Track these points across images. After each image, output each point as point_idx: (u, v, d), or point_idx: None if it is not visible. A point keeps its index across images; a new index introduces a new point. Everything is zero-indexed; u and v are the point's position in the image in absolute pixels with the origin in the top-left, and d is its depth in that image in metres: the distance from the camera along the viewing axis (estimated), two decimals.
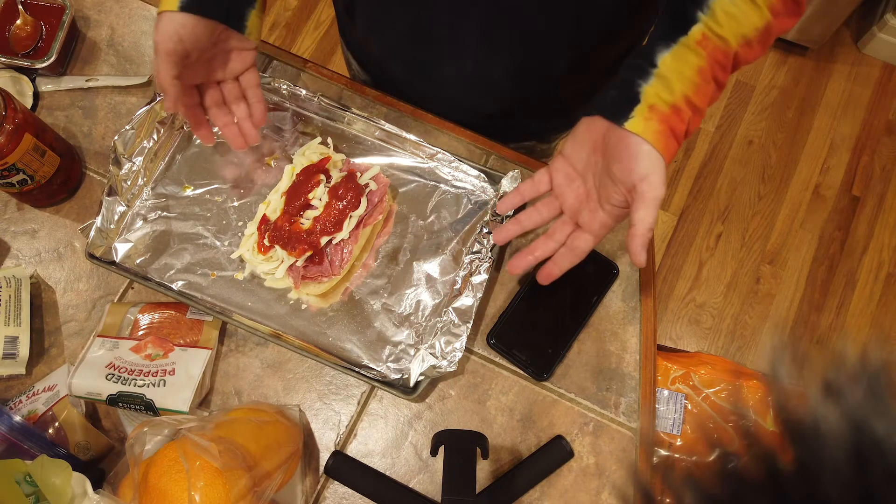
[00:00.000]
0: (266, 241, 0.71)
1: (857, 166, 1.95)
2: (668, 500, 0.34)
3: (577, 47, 0.73)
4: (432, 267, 0.74)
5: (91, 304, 0.75)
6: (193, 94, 0.69)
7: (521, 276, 0.77)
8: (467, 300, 0.71)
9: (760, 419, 1.11)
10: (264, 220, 0.72)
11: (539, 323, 0.74)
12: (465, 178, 0.77)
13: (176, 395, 0.65)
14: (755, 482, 0.31)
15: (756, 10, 0.57)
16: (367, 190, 0.73)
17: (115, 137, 0.74)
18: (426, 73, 0.81)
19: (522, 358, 0.73)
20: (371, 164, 0.77)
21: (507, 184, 0.75)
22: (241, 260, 0.73)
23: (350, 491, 0.68)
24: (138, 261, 0.73)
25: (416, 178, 0.78)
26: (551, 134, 0.98)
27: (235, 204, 0.76)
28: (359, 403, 0.72)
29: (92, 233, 0.72)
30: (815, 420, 0.29)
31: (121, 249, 0.73)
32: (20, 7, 0.81)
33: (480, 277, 0.72)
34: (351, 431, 0.72)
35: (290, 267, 0.71)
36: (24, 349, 0.70)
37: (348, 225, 0.71)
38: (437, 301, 0.73)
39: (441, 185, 0.77)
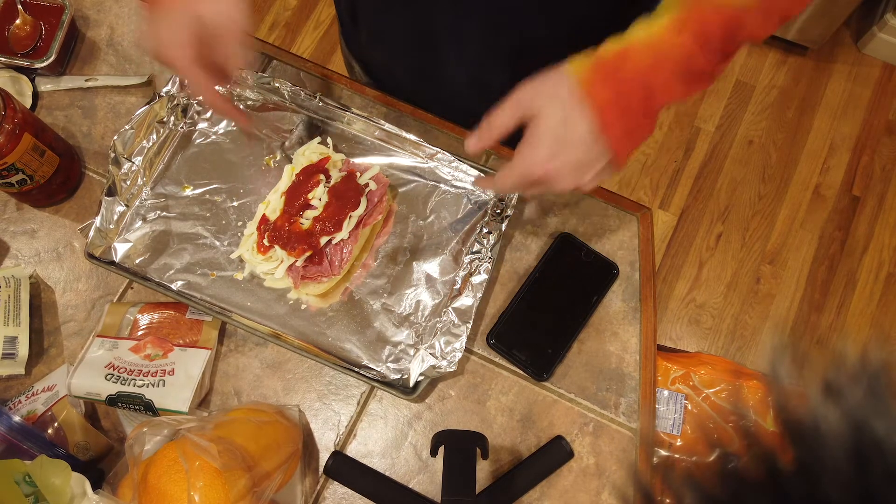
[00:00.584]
0: (266, 241, 0.71)
1: (857, 166, 1.95)
2: (668, 501, 0.34)
3: (575, 49, 0.73)
4: (432, 267, 0.74)
5: (90, 304, 0.75)
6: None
7: (521, 276, 0.76)
8: (467, 300, 0.71)
9: (760, 419, 1.11)
10: (264, 220, 0.72)
11: (539, 323, 0.74)
12: (464, 178, 0.77)
13: (175, 395, 0.65)
14: (755, 482, 0.31)
15: None
16: (367, 190, 0.73)
17: (115, 137, 0.74)
18: (427, 75, 0.81)
19: (522, 358, 0.73)
20: (371, 164, 0.77)
21: None
22: (241, 260, 0.73)
23: (350, 491, 0.68)
24: (138, 261, 0.73)
25: (416, 178, 0.78)
26: None
27: (235, 204, 0.76)
28: (358, 404, 0.72)
29: (91, 233, 0.72)
30: (815, 420, 0.29)
31: (120, 249, 0.73)
32: (19, 7, 0.81)
33: (480, 277, 0.72)
34: (350, 432, 0.72)
35: (290, 267, 0.71)
36: (23, 349, 0.70)
37: (348, 225, 0.71)
38: (436, 301, 0.73)
39: (441, 185, 0.77)
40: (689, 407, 1.17)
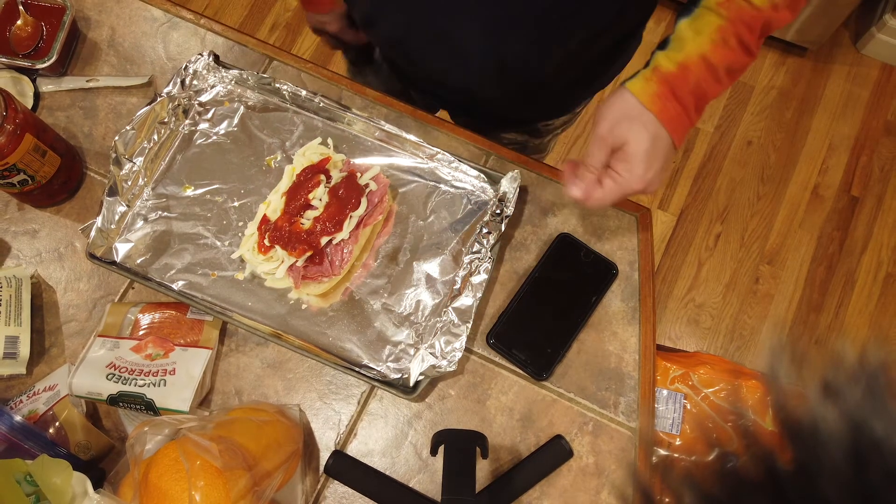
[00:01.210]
0: (266, 242, 0.71)
1: (855, 167, 1.95)
2: (667, 500, 0.34)
3: (584, 30, 0.72)
4: (432, 267, 0.74)
5: (91, 304, 0.75)
6: None
7: (521, 276, 0.77)
8: (467, 300, 0.71)
9: (759, 419, 1.11)
10: (264, 220, 0.72)
11: (539, 323, 0.74)
12: (464, 178, 0.78)
13: (176, 394, 0.65)
14: (754, 482, 0.31)
15: None
16: (367, 190, 0.73)
17: (116, 138, 0.74)
18: (440, 42, 0.77)
19: (522, 358, 0.73)
20: (371, 164, 0.77)
21: (506, 184, 0.75)
22: (242, 260, 0.74)
23: (350, 491, 0.69)
24: (139, 261, 0.73)
25: (416, 179, 0.78)
26: (542, 121, 0.97)
27: (236, 204, 0.76)
28: (359, 403, 0.73)
29: (92, 233, 0.72)
30: (814, 420, 0.30)
31: (121, 249, 0.73)
32: (21, 7, 0.81)
33: (480, 277, 0.72)
34: (351, 431, 0.72)
35: (291, 267, 0.71)
36: (24, 349, 0.70)
37: (348, 225, 0.71)
38: (437, 301, 0.73)
39: (441, 186, 0.78)
40: (689, 406, 1.17)
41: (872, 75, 2.05)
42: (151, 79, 0.83)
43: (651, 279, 0.77)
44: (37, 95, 0.82)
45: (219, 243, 0.74)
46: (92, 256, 0.72)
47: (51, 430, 0.67)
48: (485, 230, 0.75)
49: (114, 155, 0.74)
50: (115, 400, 0.65)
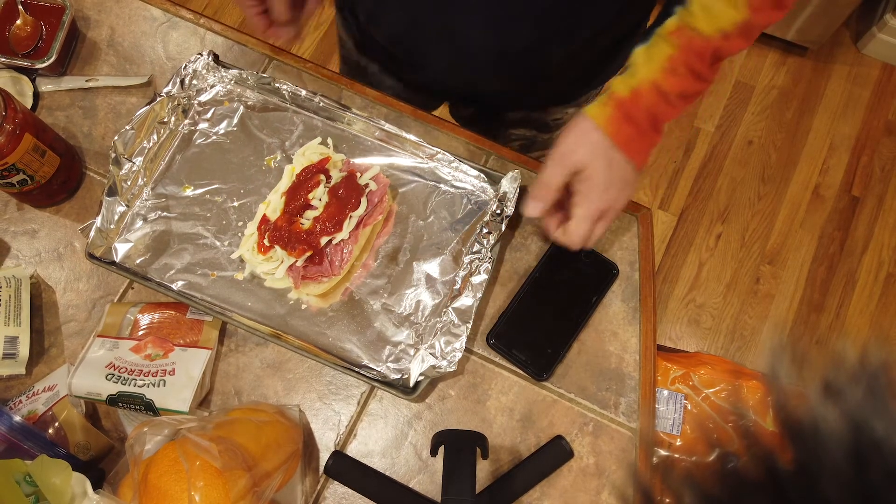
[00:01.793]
0: (266, 242, 0.71)
1: (856, 166, 1.95)
2: (667, 500, 0.34)
3: (594, 23, 0.72)
4: (432, 267, 0.74)
5: (91, 304, 0.75)
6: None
7: (521, 276, 0.77)
8: (467, 300, 0.71)
9: (760, 419, 1.11)
10: (264, 220, 0.72)
11: (539, 323, 0.74)
12: (464, 178, 0.77)
13: (176, 395, 0.65)
14: (755, 482, 0.31)
15: (732, 5, 0.58)
16: (367, 190, 0.73)
17: (115, 137, 0.74)
18: (441, 34, 0.77)
19: (522, 358, 0.73)
20: (371, 164, 0.77)
21: (506, 184, 0.75)
22: (241, 260, 0.73)
23: (350, 491, 0.68)
24: (138, 261, 0.73)
25: (416, 179, 0.78)
26: (549, 111, 0.96)
27: (235, 204, 0.76)
28: (359, 403, 0.72)
29: (92, 233, 0.72)
30: (815, 420, 0.29)
31: (121, 249, 0.73)
32: (20, 7, 0.81)
33: (480, 277, 0.72)
34: (351, 431, 0.72)
35: (290, 267, 0.71)
36: (24, 349, 0.70)
37: (348, 225, 0.71)
38: (436, 301, 0.73)
39: (441, 186, 0.78)
40: (689, 407, 1.17)
41: (873, 75, 2.05)
42: (151, 79, 0.83)
43: (651, 279, 0.77)
44: (36, 95, 0.82)
45: (218, 243, 0.74)
46: (91, 256, 0.72)
47: (50, 431, 0.66)
48: (485, 230, 0.74)
49: (113, 155, 0.74)
50: (114, 400, 0.65)
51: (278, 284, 0.73)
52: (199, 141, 0.78)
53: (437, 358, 0.69)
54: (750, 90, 2.03)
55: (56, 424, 0.67)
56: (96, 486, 0.59)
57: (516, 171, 0.75)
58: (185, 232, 0.75)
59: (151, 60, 0.85)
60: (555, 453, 0.68)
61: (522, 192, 0.79)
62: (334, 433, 0.72)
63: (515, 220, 0.78)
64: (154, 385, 0.65)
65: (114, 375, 0.66)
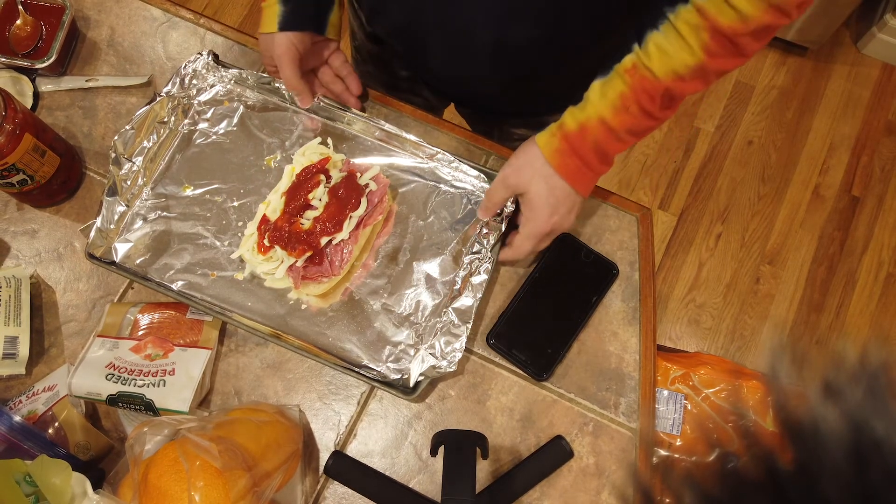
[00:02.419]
0: (266, 242, 0.71)
1: (856, 166, 1.95)
2: (667, 501, 0.34)
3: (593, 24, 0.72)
4: (432, 267, 0.74)
5: (91, 305, 0.75)
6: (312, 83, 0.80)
7: (521, 276, 0.77)
8: (467, 300, 0.71)
9: (760, 419, 1.11)
10: (264, 220, 0.72)
11: (539, 323, 0.74)
12: (464, 178, 0.77)
13: (176, 395, 0.65)
14: (755, 482, 0.31)
15: (687, 49, 0.58)
16: (367, 190, 0.73)
17: (116, 137, 0.74)
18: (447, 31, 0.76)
19: (522, 358, 0.73)
20: (371, 164, 0.77)
21: None
22: (241, 260, 0.73)
23: (350, 491, 0.68)
24: (138, 261, 0.73)
25: (416, 179, 0.78)
26: (549, 115, 0.96)
27: (235, 204, 0.76)
28: (359, 403, 0.72)
29: (92, 233, 0.72)
30: (815, 420, 0.29)
31: (121, 249, 0.73)
32: (20, 7, 0.81)
33: (480, 278, 0.72)
34: (351, 431, 0.72)
35: (290, 267, 0.71)
36: (23, 349, 0.70)
37: (348, 225, 0.71)
38: (436, 301, 0.73)
39: (441, 186, 0.77)
40: (689, 407, 1.17)
41: (873, 75, 2.05)
42: (151, 78, 0.83)
43: (651, 279, 0.77)
44: (36, 95, 0.82)
45: (218, 243, 0.74)
46: (91, 256, 0.72)
47: (50, 431, 0.66)
48: (485, 230, 0.74)
49: (113, 155, 0.74)
50: (114, 400, 0.65)
51: (278, 284, 0.73)
52: (198, 141, 0.78)
53: (437, 358, 0.69)
54: (750, 90, 2.03)
55: (56, 424, 0.67)
56: (96, 486, 0.59)
57: None
58: (185, 232, 0.75)
59: (151, 60, 0.85)
60: (555, 453, 0.68)
61: None
62: (334, 433, 0.72)
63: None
64: (154, 385, 0.65)
65: (114, 375, 0.66)
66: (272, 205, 0.73)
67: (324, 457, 0.70)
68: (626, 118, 0.63)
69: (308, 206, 0.72)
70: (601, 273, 0.77)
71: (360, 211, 0.72)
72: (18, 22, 0.81)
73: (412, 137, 0.77)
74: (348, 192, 0.72)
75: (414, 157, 0.79)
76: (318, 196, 0.72)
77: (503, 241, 0.74)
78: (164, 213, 0.75)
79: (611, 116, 0.63)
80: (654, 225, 0.82)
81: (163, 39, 0.86)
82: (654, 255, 0.79)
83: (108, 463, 0.69)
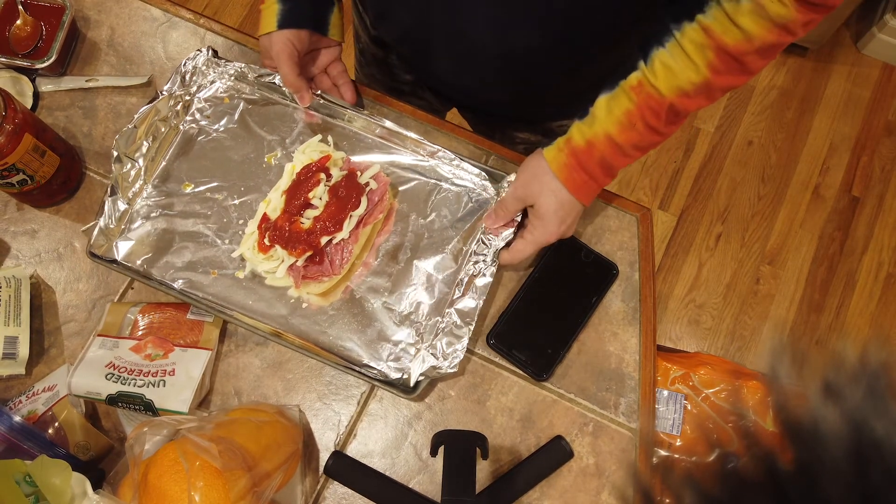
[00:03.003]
0: (266, 241, 0.71)
1: (856, 167, 1.95)
2: (667, 501, 0.34)
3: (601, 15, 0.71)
4: (433, 266, 0.74)
5: (91, 305, 0.75)
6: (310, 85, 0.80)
7: (521, 276, 0.77)
8: (470, 302, 0.71)
9: (760, 419, 1.11)
10: (265, 218, 0.72)
11: (539, 323, 0.74)
12: (465, 175, 0.77)
13: (175, 395, 0.65)
14: (755, 482, 0.31)
15: (692, 67, 0.59)
16: (368, 189, 0.73)
17: (117, 136, 0.74)
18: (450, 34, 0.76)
19: (522, 358, 0.73)
20: (371, 162, 0.77)
21: (508, 183, 0.75)
22: (242, 258, 0.73)
23: (350, 491, 0.68)
24: (139, 260, 0.73)
25: (417, 176, 0.78)
26: (553, 122, 0.96)
27: (236, 202, 0.76)
28: (358, 404, 0.72)
29: (95, 231, 0.72)
30: (815, 420, 0.29)
31: (122, 248, 0.73)
32: (20, 7, 0.81)
33: (485, 280, 0.72)
34: (351, 431, 0.72)
35: (291, 266, 0.71)
36: (23, 349, 0.70)
37: (348, 224, 0.71)
38: (437, 300, 0.73)
39: (442, 184, 0.77)
40: (689, 407, 1.17)
41: (873, 75, 2.05)
42: (151, 78, 0.83)
43: (651, 279, 0.77)
44: (36, 95, 0.82)
45: (219, 241, 0.74)
46: (93, 255, 0.72)
47: (50, 431, 0.66)
48: (489, 234, 0.74)
49: (115, 153, 0.74)
50: (113, 400, 0.65)
51: (279, 283, 0.73)
52: (199, 138, 0.78)
53: (437, 358, 0.69)
54: (750, 90, 2.02)
55: (56, 424, 0.67)
56: (96, 486, 0.59)
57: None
58: (186, 230, 0.75)
59: (151, 60, 0.85)
60: (555, 453, 0.68)
61: None
62: (334, 433, 0.72)
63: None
64: (154, 385, 0.65)
65: (113, 375, 0.66)
66: (273, 203, 0.73)
67: (324, 457, 0.70)
68: (633, 134, 0.64)
69: (308, 205, 0.72)
70: (601, 273, 0.76)
71: (361, 210, 0.72)
72: (18, 22, 0.81)
73: (413, 135, 0.77)
74: (349, 191, 0.72)
75: (415, 154, 0.79)
76: (319, 195, 0.72)
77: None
78: (166, 212, 0.75)
79: (617, 133, 0.64)
80: (654, 225, 0.82)
81: (163, 39, 0.86)
82: (654, 256, 0.79)
83: (108, 463, 0.69)
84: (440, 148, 0.77)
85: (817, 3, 0.54)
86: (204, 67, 0.80)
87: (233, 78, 0.80)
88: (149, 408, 0.65)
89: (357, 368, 0.70)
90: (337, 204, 0.71)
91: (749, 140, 1.97)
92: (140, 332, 0.71)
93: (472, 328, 0.70)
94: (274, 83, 0.79)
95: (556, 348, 0.73)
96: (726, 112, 2.00)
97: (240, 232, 0.75)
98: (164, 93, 0.77)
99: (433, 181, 0.78)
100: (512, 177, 0.75)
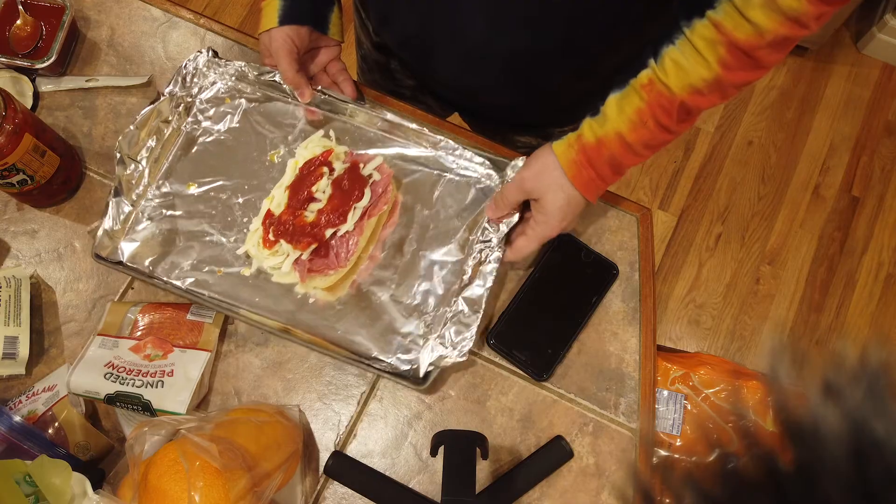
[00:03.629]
0: (271, 236, 0.71)
1: (856, 167, 1.95)
2: (667, 501, 0.34)
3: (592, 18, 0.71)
4: (439, 256, 0.74)
5: (91, 305, 0.75)
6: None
7: (521, 276, 0.77)
8: (477, 289, 0.71)
9: (760, 419, 1.11)
10: (269, 214, 0.72)
11: (539, 323, 0.74)
12: (469, 165, 0.77)
13: (173, 396, 0.65)
14: (755, 482, 0.31)
15: (703, 63, 0.58)
16: (371, 181, 0.73)
17: (120, 138, 0.74)
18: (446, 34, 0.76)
19: (522, 358, 0.73)
20: (374, 154, 0.77)
21: (512, 171, 0.74)
22: (248, 256, 0.73)
23: (350, 491, 0.68)
24: (145, 261, 0.73)
25: (421, 168, 0.78)
26: (555, 127, 0.96)
27: (240, 200, 0.76)
28: (358, 403, 0.72)
29: (99, 233, 0.72)
30: (815, 420, 0.29)
31: (127, 249, 0.73)
32: (20, 7, 0.81)
33: (490, 266, 0.72)
34: (351, 431, 0.72)
35: (296, 260, 0.71)
36: (23, 349, 0.70)
37: (353, 216, 0.71)
38: (445, 290, 0.73)
39: (446, 174, 0.77)
40: (689, 407, 1.17)
41: (873, 75, 2.05)
42: (151, 79, 0.83)
43: (651, 279, 0.77)
44: (36, 95, 0.82)
45: (224, 240, 0.74)
46: (98, 257, 0.72)
47: (50, 431, 0.66)
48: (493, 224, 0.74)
49: (118, 155, 0.74)
50: (112, 399, 0.65)
51: (286, 279, 0.73)
52: (202, 139, 0.78)
53: (446, 347, 0.69)
54: (750, 90, 2.02)
55: (56, 424, 0.67)
56: (96, 486, 0.59)
57: (521, 158, 0.74)
58: (191, 230, 0.75)
59: (151, 60, 0.85)
60: (555, 453, 0.68)
61: None
62: (334, 433, 0.72)
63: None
64: (152, 386, 0.65)
65: (112, 374, 0.66)
66: (276, 199, 0.73)
67: (324, 457, 0.70)
68: (644, 133, 0.63)
69: (312, 199, 0.71)
70: (601, 273, 0.77)
71: (364, 201, 0.71)
72: (18, 22, 0.81)
73: (415, 126, 0.77)
74: (352, 184, 0.72)
75: (418, 146, 0.78)
76: (322, 188, 0.71)
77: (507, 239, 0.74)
78: (170, 212, 0.75)
79: (628, 131, 0.63)
80: (654, 225, 0.82)
81: (163, 39, 0.86)
82: (654, 256, 0.79)
83: (108, 463, 0.69)
84: (443, 138, 0.77)
85: None
86: (204, 69, 0.80)
87: (233, 78, 0.80)
88: (147, 408, 0.65)
89: (366, 362, 0.70)
90: (340, 196, 0.71)
91: (749, 140, 1.97)
92: (140, 332, 0.71)
93: (480, 315, 0.70)
94: (275, 81, 0.79)
95: (556, 348, 0.73)
96: (726, 112, 2.00)
97: (245, 230, 0.75)
98: (165, 94, 0.77)
99: (437, 172, 0.78)
100: (517, 162, 0.74)
